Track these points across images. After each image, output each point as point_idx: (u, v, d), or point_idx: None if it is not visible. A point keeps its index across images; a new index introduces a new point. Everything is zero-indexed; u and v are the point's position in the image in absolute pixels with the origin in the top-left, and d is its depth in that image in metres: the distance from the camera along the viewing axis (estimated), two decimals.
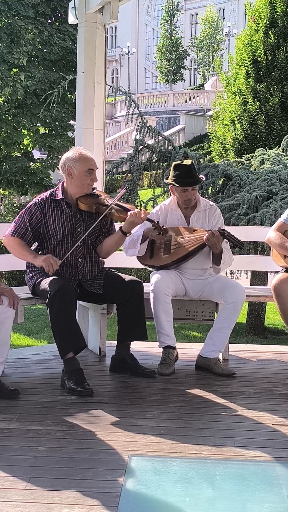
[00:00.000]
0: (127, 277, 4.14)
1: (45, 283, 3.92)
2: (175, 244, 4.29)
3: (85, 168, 4.02)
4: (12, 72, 14.55)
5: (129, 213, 4.02)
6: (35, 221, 4.04)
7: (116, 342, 4.23)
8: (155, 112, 35.37)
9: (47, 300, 3.82)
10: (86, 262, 4.13)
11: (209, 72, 48.64)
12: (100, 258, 4.25)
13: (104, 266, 4.28)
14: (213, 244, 4.19)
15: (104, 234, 4.20)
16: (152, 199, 7.68)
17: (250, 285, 7.39)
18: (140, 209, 4.07)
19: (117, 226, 4.33)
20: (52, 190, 4.18)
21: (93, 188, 4.12)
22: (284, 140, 8.64)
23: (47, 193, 4.16)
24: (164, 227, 4.28)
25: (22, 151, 16.15)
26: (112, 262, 4.78)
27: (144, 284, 4.21)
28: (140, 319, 4.10)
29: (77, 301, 4.68)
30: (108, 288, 4.11)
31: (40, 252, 4.11)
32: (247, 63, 12.63)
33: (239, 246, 4.29)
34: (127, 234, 4.12)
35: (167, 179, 4.42)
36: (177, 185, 4.32)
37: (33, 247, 4.15)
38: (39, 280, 4.01)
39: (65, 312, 3.78)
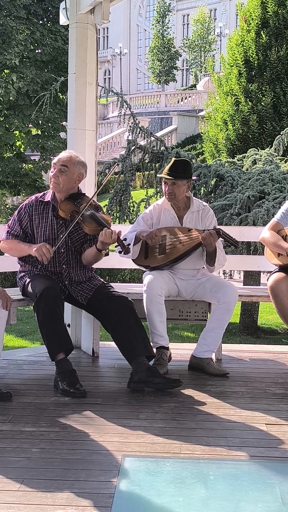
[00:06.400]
0: (116, 300, 3.96)
1: (32, 285, 3.90)
2: (170, 244, 4.29)
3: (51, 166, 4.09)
4: (4, 73, 14.53)
5: (101, 232, 3.88)
6: (24, 223, 4.06)
7: (108, 343, 4.21)
8: (147, 113, 35.41)
9: (33, 302, 3.81)
10: (72, 268, 4.06)
11: (201, 72, 48.72)
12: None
13: (99, 267, 4.21)
14: (209, 243, 4.19)
15: (88, 241, 4.07)
16: (145, 200, 7.69)
17: (243, 285, 7.41)
18: (112, 230, 3.87)
19: None
20: (45, 191, 4.17)
21: (83, 194, 4.09)
22: (276, 140, 8.67)
23: (39, 194, 4.15)
24: (130, 245, 4.06)
25: (15, 153, 16.13)
26: (107, 263, 4.75)
27: (136, 284, 4.20)
28: (141, 336, 3.92)
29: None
30: (95, 304, 3.99)
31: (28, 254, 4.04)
32: (239, 64, 12.68)
33: (234, 245, 4.29)
34: (102, 251, 4.00)
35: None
36: (159, 175, 4.39)
37: None
38: (27, 281, 3.98)
39: (51, 314, 3.75)
